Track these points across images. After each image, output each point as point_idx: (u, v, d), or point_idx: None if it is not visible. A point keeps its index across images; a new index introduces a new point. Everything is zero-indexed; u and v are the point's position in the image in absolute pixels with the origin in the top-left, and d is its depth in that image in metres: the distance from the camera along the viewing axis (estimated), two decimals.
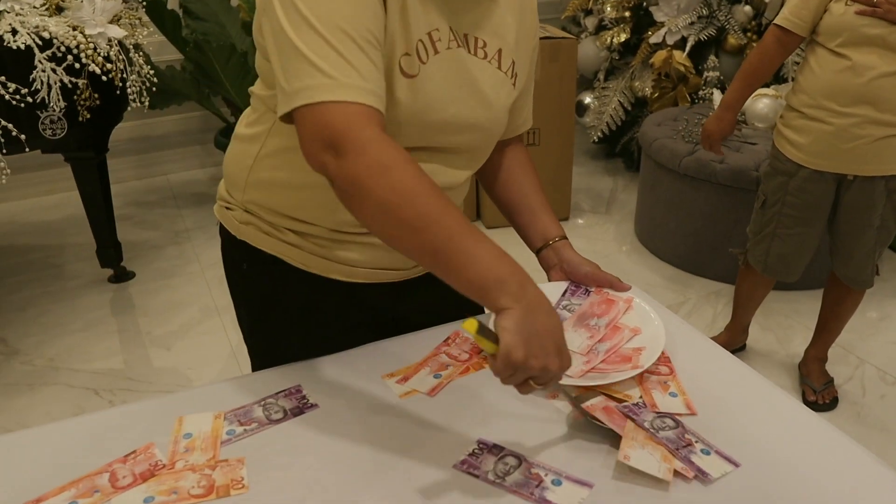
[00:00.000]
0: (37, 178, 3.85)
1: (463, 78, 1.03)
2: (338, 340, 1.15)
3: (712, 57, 3.64)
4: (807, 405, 2.30)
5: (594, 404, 1.00)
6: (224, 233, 1.20)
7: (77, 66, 2.39)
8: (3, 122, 2.31)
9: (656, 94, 3.76)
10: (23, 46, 2.26)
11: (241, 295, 1.23)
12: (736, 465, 0.91)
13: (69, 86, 2.40)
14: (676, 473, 0.90)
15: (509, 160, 1.25)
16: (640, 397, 1.02)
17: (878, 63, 1.87)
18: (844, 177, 2.04)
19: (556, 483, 0.89)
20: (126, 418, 1.02)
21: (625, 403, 1.00)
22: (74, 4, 2.41)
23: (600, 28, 4.12)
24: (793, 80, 2.40)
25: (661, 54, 3.68)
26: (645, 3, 3.90)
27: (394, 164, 0.85)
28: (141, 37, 2.68)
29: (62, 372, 2.53)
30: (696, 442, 0.95)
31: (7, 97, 2.28)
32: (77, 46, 2.36)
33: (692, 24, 3.67)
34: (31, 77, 2.32)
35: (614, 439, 0.95)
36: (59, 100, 2.39)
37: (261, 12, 0.96)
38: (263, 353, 1.21)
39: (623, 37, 3.92)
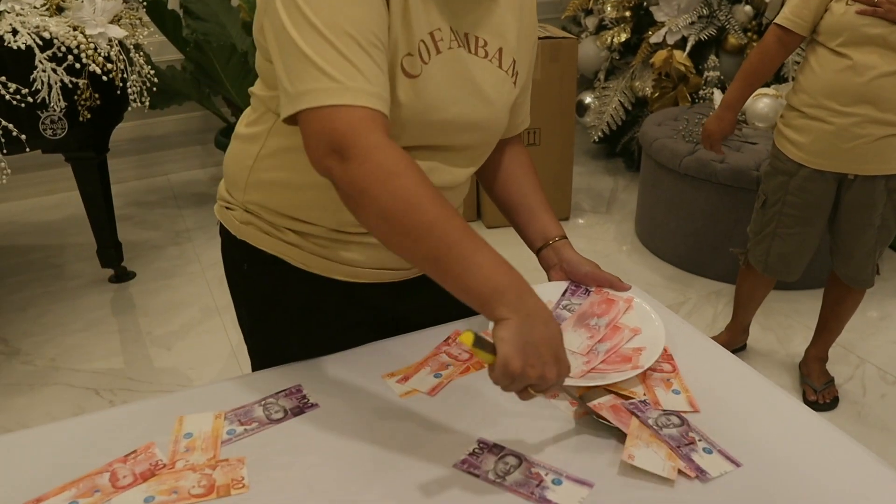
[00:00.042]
0: (37, 178, 3.85)
1: (464, 77, 1.03)
2: (338, 340, 1.15)
3: (713, 57, 3.64)
4: (807, 405, 2.30)
5: (601, 403, 1.00)
6: (224, 233, 1.20)
7: (77, 66, 2.39)
8: (4, 122, 2.31)
9: (657, 94, 3.76)
10: (23, 46, 2.26)
11: (241, 295, 1.23)
12: (737, 464, 0.91)
13: (70, 86, 2.41)
14: (681, 472, 0.90)
15: (509, 160, 1.25)
16: (644, 395, 1.02)
17: (878, 63, 1.87)
18: (845, 176, 2.04)
19: (557, 482, 0.89)
20: (126, 418, 1.02)
21: (631, 400, 1.01)
22: (75, 4, 2.41)
23: (601, 28, 4.12)
24: (793, 79, 2.41)
25: (661, 54, 3.68)
26: (645, 3, 3.90)
27: (397, 170, 0.86)
28: (141, 37, 2.68)
29: (63, 372, 2.53)
30: (700, 440, 0.95)
31: (7, 97, 2.28)
32: (77, 46, 2.36)
33: (692, 23, 3.67)
34: (32, 77, 2.32)
35: (618, 437, 0.95)
36: (59, 100, 2.39)
37: (261, 12, 0.96)
38: (264, 353, 1.21)
39: (623, 36, 3.92)
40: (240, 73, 3.27)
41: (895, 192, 2.05)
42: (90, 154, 2.76)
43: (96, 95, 2.51)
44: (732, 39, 3.66)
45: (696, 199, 3.00)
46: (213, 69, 3.28)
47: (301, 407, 1.03)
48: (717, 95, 3.22)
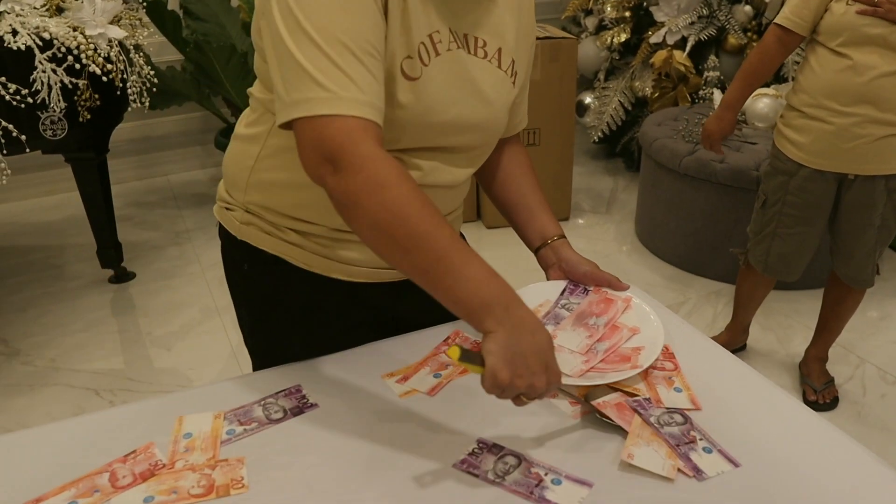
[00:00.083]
0: (37, 178, 3.85)
1: (464, 79, 1.03)
2: (338, 340, 1.15)
3: (712, 57, 3.64)
4: (807, 405, 2.30)
5: (606, 401, 1.00)
6: (224, 233, 1.20)
7: (77, 66, 2.39)
8: (4, 123, 2.31)
9: (656, 94, 3.76)
10: (23, 47, 2.26)
11: (241, 295, 1.23)
12: (736, 465, 0.91)
13: (69, 86, 2.41)
14: (680, 471, 0.90)
15: (508, 159, 1.25)
16: (646, 392, 1.03)
17: (878, 63, 1.87)
18: (845, 176, 2.04)
19: (556, 482, 0.89)
20: (126, 418, 1.02)
21: (635, 398, 1.01)
22: (75, 5, 2.42)
23: (600, 28, 4.12)
24: (793, 79, 2.40)
25: (661, 54, 3.68)
26: (645, 3, 3.90)
27: (388, 182, 0.87)
28: (141, 37, 2.68)
29: (63, 372, 2.53)
30: (701, 439, 0.95)
31: (7, 98, 2.28)
32: (77, 47, 2.37)
33: (692, 23, 3.67)
34: (32, 78, 2.32)
35: (618, 437, 0.95)
36: (59, 100, 2.39)
37: (259, 15, 0.96)
38: (264, 354, 1.21)
39: (623, 37, 3.92)
40: (240, 74, 3.27)
41: (895, 192, 2.05)
42: (90, 155, 2.77)
43: (96, 96, 2.51)
44: (732, 39, 3.67)
45: (695, 199, 3.00)
46: (213, 70, 3.28)
47: (300, 407, 1.03)
48: (717, 95, 3.22)
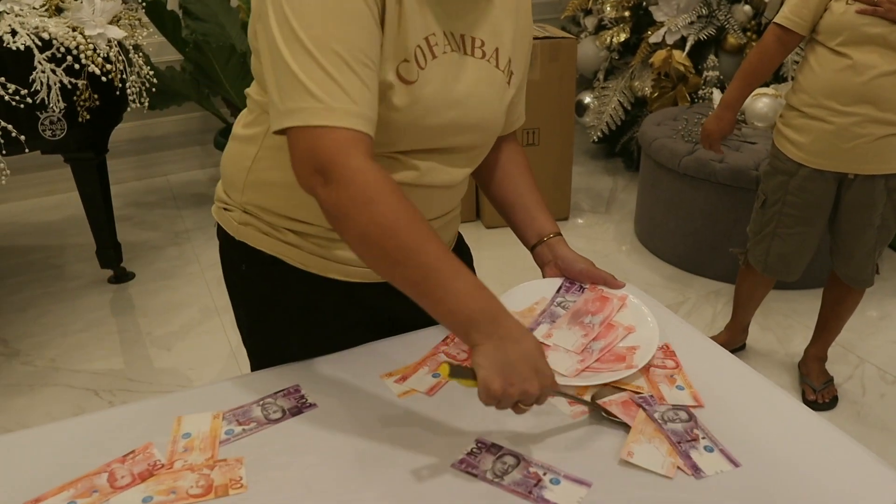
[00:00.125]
0: (37, 178, 3.85)
1: (461, 80, 1.03)
2: (336, 340, 1.15)
3: (712, 56, 3.64)
4: (807, 404, 2.30)
5: (612, 400, 1.00)
6: (222, 234, 1.20)
7: (77, 66, 2.39)
8: (3, 123, 2.31)
9: (656, 94, 3.76)
10: (22, 47, 2.26)
11: (239, 296, 1.23)
12: (736, 464, 0.91)
13: (69, 87, 2.40)
14: (679, 469, 0.90)
15: (505, 158, 1.25)
16: (648, 390, 1.03)
17: (878, 62, 1.87)
18: (845, 176, 2.04)
19: (555, 482, 0.89)
20: (126, 418, 1.02)
21: (641, 395, 1.01)
22: (74, 5, 2.41)
23: (600, 28, 4.12)
24: (792, 79, 2.40)
25: (660, 54, 3.68)
26: (644, 3, 3.90)
27: (378, 196, 0.88)
28: (141, 37, 2.68)
29: (62, 372, 2.53)
30: (703, 437, 0.95)
31: (7, 98, 2.28)
32: (77, 47, 2.36)
33: (692, 23, 3.67)
34: (31, 78, 2.32)
35: (617, 437, 0.95)
36: (58, 101, 2.39)
37: (255, 18, 0.97)
38: (262, 354, 1.21)
39: (623, 36, 3.91)
40: (239, 74, 3.27)
41: (895, 192, 2.05)
42: (89, 155, 2.76)
43: (95, 96, 2.51)
44: (732, 39, 3.66)
45: (695, 198, 3.00)
46: (213, 70, 3.28)
47: (299, 407, 1.03)
48: (717, 95, 3.22)
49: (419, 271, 0.88)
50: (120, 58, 2.53)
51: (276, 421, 1.00)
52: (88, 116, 2.52)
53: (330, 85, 0.88)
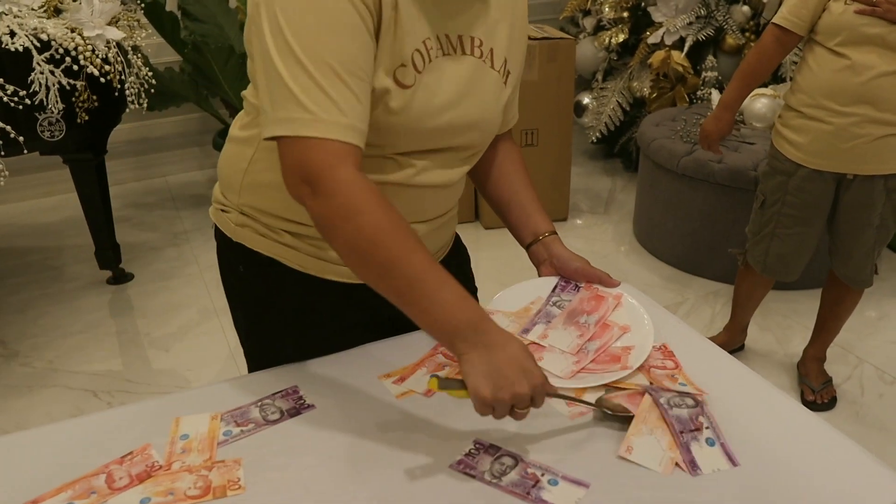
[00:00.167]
0: (35, 179, 3.85)
1: (458, 83, 1.03)
2: (334, 341, 1.15)
3: (710, 57, 3.64)
4: (805, 405, 2.30)
5: (615, 395, 1.00)
6: (220, 235, 1.20)
7: (75, 68, 2.38)
8: (2, 124, 2.31)
9: (654, 95, 3.76)
10: (21, 48, 2.26)
11: (237, 297, 1.23)
12: (734, 463, 0.91)
13: (67, 88, 2.40)
14: (677, 465, 0.90)
15: (501, 157, 1.26)
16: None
17: (877, 62, 1.87)
18: (844, 176, 2.04)
19: (553, 483, 0.89)
20: (124, 419, 1.02)
21: (647, 385, 1.01)
22: (73, 6, 2.41)
23: (598, 28, 4.12)
24: (791, 79, 2.40)
25: (659, 54, 3.68)
26: (643, 4, 3.90)
27: (363, 208, 0.90)
28: (139, 38, 2.68)
29: (61, 374, 2.53)
30: (707, 428, 0.94)
31: (5, 99, 2.28)
32: (75, 48, 2.36)
33: (690, 24, 3.67)
34: (30, 79, 2.32)
35: (618, 435, 0.95)
36: (57, 102, 2.39)
37: (250, 23, 0.97)
38: (260, 355, 1.21)
39: (621, 37, 3.92)
40: (238, 75, 3.27)
41: (894, 192, 2.05)
42: (88, 156, 2.76)
43: (94, 97, 2.51)
44: (730, 40, 3.67)
45: (693, 199, 3.00)
46: (211, 71, 3.28)
47: (297, 408, 1.03)
48: (715, 96, 3.23)
49: (404, 282, 0.90)
50: (118, 59, 2.53)
51: (275, 422, 1.00)
52: (87, 117, 2.52)
53: (320, 96, 0.89)
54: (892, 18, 1.81)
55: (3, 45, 2.25)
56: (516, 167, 1.26)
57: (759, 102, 3.10)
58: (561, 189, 3.56)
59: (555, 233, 1.22)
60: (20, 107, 2.32)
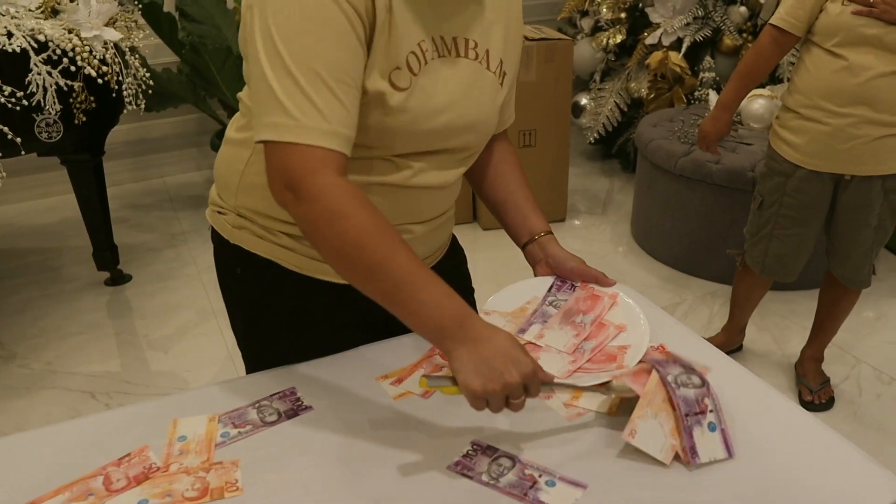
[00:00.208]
0: (33, 181, 3.84)
1: (454, 85, 1.03)
2: (331, 342, 1.15)
3: (708, 58, 3.64)
4: (803, 405, 2.31)
5: (624, 372, 1.00)
6: (216, 237, 1.20)
7: (73, 68, 2.38)
8: None
9: (652, 95, 3.77)
10: (18, 49, 2.26)
11: (234, 299, 1.23)
12: (731, 454, 0.92)
13: (65, 89, 2.40)
14: (677, 455, 0.91)
15: (497, 158, 1.26)
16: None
17: (874, 63, 1.87)
18: (841, 177, 2.04)
19: (550, 484, 0.89)
20: (122, 421, 1.02)
21: (654, 358, 1.00)
22: (70, 7, 2.41)
23: (596, 29, 4.12)
24: (788, 80, 2.41)
25: (656, 55, 3.68)
26: (641, 5, 3.91)
27: (345, 212, 0.90)
28: (137, 39, 2.68)
29: (59, 375, 2.53)
30: (711, 411, 0.94)
31: (3, 100, 2.28)
32: (73, 49, 2.36)
33: (688, 25, 3.68)
34: (27, 80, 2.31)
35: (617, 437, 0.95)
36: (54, 103, 2.39)
37: (243, 26, 0.97)
38: (257, 357, 1.21)
39: (619, 38, 3.92)
40: (235, 76, 3.27)
41: (891, 193, 2.05)
42: (86, 157, 2.76)
43: (91, 98, 2.51)
44: (727, 40, 3.67)
45: (691, 199, 3.00)
46: (209, 72, 3.27)
47: (295, 409, 1.03)
48: (713, 96, 3.23)
49: (389, 284, 0.91)
50: (116, 60, 2.53)
51: (272, 423, 1.00)
52: (84, 118, 2.52)
53: (304, 103, 0.89)
54: (888, 19, 1.82)
55: (0, 46, 2.25)
56: (512, 168, 1.26)
57: (757, 103, 3.11)
58: (559, 190, 3.57)
59: (550, 233, 1.22)
60: (17, 108, 2.32)
